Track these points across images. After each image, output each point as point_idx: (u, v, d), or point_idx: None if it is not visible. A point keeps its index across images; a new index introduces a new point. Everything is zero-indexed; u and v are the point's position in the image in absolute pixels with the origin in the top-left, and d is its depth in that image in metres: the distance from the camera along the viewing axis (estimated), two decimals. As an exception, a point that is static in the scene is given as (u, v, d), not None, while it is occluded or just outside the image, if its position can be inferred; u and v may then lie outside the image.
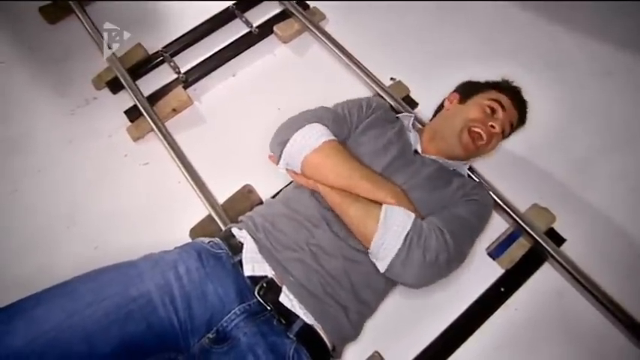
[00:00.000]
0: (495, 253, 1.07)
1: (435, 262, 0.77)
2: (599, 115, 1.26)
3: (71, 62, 1.45)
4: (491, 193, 1.06)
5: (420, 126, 1.09)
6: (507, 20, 1.45)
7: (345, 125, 0.94)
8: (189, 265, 0.77)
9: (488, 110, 0.94)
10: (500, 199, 1.08)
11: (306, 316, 0.76)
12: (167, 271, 0.75)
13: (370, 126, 0.95)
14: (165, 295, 0.72)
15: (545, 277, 1.05)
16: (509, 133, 1.00)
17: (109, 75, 1.38)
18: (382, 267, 0.78)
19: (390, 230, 0.76)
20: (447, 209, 0.85)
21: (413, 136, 0.98)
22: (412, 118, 1.03)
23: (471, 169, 1.09)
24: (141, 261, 0.77)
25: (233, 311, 0.74)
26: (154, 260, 0.77)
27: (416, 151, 0.96)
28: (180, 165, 1.17)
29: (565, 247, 1.06)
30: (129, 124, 1.32)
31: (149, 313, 0.70)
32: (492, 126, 0.92)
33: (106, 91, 1.39)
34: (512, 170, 1.17)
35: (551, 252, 1.03)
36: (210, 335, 0.72)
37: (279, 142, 0.87)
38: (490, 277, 1.05)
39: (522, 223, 1.05)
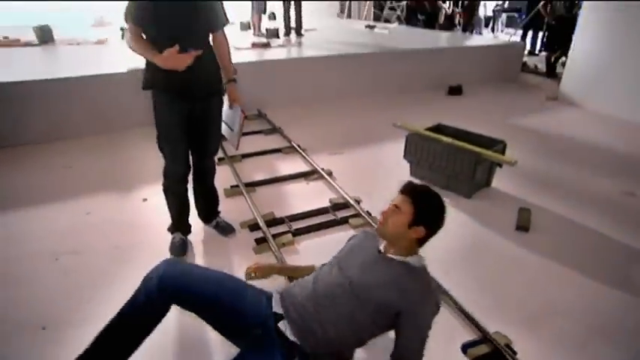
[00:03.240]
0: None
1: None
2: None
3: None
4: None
5: None
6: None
7: None
8: (262, 298, 1.44)
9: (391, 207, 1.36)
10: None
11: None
12: (259, 294, 1.45)
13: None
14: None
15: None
16: (414, 221, 1.31)
17: (252, 222, 2.44)
18: None
19: None
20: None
21: None
22: None
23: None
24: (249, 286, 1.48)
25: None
26: (254, 287, 1.48)
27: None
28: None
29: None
30: (255, 245, 2.26)
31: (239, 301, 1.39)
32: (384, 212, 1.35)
33: (247, 230, 2.42)
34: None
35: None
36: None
37: None
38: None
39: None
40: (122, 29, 6.97)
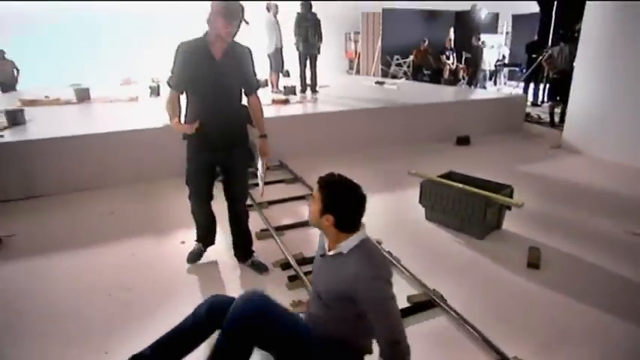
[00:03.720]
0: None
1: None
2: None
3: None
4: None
5: None
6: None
7: None
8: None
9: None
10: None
11: None
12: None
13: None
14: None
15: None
16: (324, 209, 1.42)
17: (283, 261, 2.67)
18: None
19: None
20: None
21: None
22: None
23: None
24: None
25: None
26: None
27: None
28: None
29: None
30: (288, 282, 2.48)
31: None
32: None
33: (279, 269, 2.64)
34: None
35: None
36: None
37: None
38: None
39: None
40: (150, 87, 7.61)
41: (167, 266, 2.72)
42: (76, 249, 2.97)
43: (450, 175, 3.43)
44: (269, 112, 5.51)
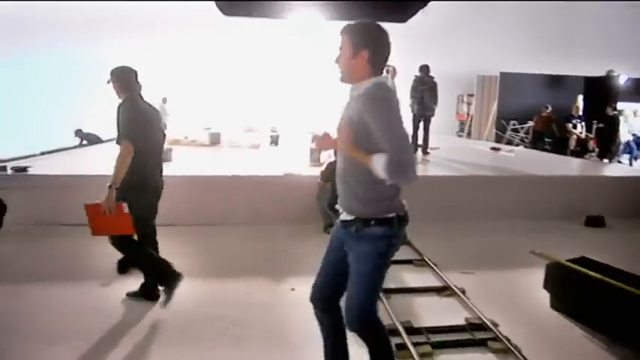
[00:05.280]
0: None
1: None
2: None
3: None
4: None
5: None
6: None
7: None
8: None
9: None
10: None
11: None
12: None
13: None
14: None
15: None
16: (355, 49, 1.63)
17: (391, 327, 2.60)
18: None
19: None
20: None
21: None
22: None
23: None
24: None
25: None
26: None
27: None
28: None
29: None
30: (395, 350, 2.39)
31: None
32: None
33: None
34: None
35: None
36: None
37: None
38: None
39: None
40: (271, 137, 8.38)
41: (278, 309, 2.86)
42: (194, 279, 3.24)
43: (583, 262, 3.05)
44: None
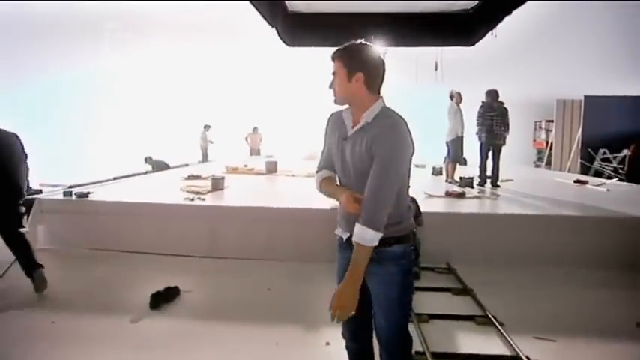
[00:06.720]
0: None
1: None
2: None
3: None
4: None
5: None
6: None
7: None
8: None
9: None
10: None
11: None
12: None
13: (330, 141, 1.72)
14: None
15: None
16: (349, 72, 1.57)
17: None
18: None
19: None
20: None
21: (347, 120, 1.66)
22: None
23: None
24: None
25: None
26: None
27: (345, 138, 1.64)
28: None
29: None
30: None
31: None
32: None
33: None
34: None
35: None
36: None
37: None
38: None
39: None
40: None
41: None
42: (227, 321, 3.05)
43: None
44: (441, 205, 5.08)
